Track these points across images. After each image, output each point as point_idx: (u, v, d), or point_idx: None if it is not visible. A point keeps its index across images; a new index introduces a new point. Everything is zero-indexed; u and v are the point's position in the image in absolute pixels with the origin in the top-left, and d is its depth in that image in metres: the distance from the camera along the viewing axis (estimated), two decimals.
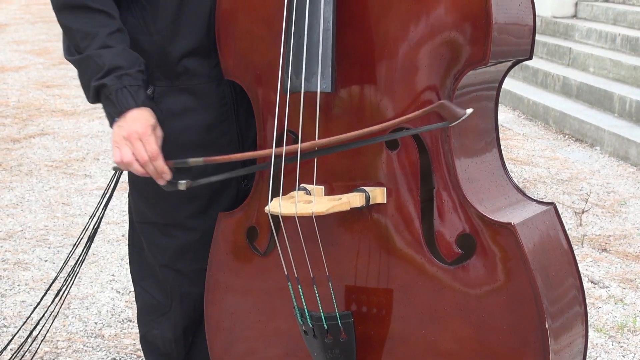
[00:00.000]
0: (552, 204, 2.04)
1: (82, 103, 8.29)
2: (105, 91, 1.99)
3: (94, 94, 2.02)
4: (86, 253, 2.38)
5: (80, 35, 2.01)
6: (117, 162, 2.02)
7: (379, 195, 1.94)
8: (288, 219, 1.95)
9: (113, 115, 2.02)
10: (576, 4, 10.00)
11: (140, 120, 1.99)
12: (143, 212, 2.30)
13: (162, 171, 2.00)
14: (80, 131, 7.23)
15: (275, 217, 1.99)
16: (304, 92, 1.90)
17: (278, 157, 1.94)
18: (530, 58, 1.99)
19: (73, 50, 2.04)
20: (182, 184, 2.00)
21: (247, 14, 2.04)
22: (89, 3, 2.00)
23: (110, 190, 2.29)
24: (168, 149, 2.06)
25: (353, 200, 1.92)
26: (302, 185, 1.99)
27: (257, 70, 2.04)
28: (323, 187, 1.98)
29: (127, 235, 4.68)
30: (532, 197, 2.08)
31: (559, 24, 9.66)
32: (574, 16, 9.96)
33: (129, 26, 2.09)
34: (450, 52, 1.85)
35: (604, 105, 7.31)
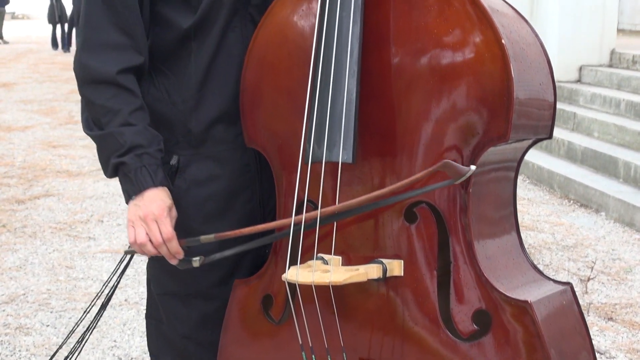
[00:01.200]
0: (569, 284, 2.03)
1: (88, 164, 8.33)
2: (125, 169, 2.00)
3: (112, 170, 2.03)
4: (91, 332, 2.33)
5: (103, 111, 2.01)
6: (130, 242, 2.01)
7: (396, 267, 1.94)
8: (304, 288, 1.95)
9: (130, 193, 2.02)
10: (580, 69, 10.07)
11: (157, 202, 1.99)
12: (163, 283, 2.26)
13: (175, 252, 2.01)
14: (85, 192, 7.24)
15: (291, 286, 1.99)
16: (325, 162, 1.90)
17: (297, 225, 1.94)
18: (550, 137, 1.99)
19: (92, 124, 2.04)
20: (196, 261, 2.00)
21: (271, 85, 2.05)
22: (118, 79, 2.00)
23: (119, 274, 2.24)
24: (192, 218, 2.08)
25: (370, 271, 1.92)
26: (319, 255, 1.99)
27: (278, 140, 2.06)
28: (340, 258, 1.98)
29: (129, 300, 4.69)
30: (549, 277, 2.07)
31: (563, 88, 9.71)
32: (578, 81, 10.02)
33: (151, 97, 2.11)
34: (471, 127, 1.85)
35: (609, 170, 7.31)
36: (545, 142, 8.43)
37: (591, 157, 7.68)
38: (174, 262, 2.03)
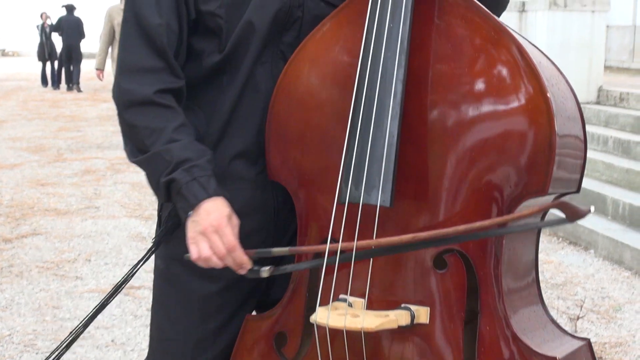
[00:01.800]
0: (587, 340, 2.02)
1: (76, 202, 8.30)
2: (176, 186, 1.94)
3: (165, 192, 1.96)
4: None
5: (147, 132, 1.97)
6: (194, 259, 1.95)
7: (422, 314, 1.90)
8: (322, 328, 1.91)
9: (186, 210, 1.95)
10: None
11: (215, 212, 1.93)
12: (163, 329, 2.20)
13: (241, 262, 1.94)
14: (73, 231, 7.21)
15: (309, 326, 1.96)
16: (362, 204, 1.87)
17: (332, 258, 1.90)
18: (578, 191, 1.98)
19: (137, 151, 2.00)
20: (265, 271, 1.93)
21: (300, 119, 2.02)
22: (155, 98, 1.97)
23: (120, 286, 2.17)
24: None
25: (400, 318, 1.87)
26: (342, 296, 1.94)
27: (305, 176, 2.03)
28: (363, 300, 1.92)
29: (116, 341, 4.65)
30: (566, 330, 2.05)
31: None
32: None
33: None
34: (510, 179, 1.82)
35: (598, 208, 7.32)
36: None
37: (580, 194, 7.65)
38: (242, 272, 1.96)
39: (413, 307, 1.89)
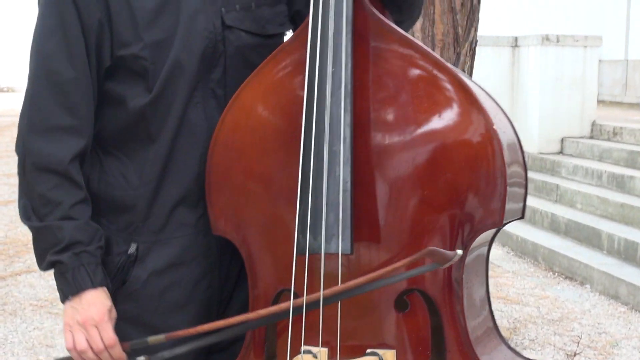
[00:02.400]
0: None
1: None
2: (61, 268, 1.87)
3: (48, 266, 1.90)
4: None
5: (43, 200, 1.88)
6: (68, 348, 1.88)
7: (389, 358, 1.86)
8: None
9: (66, 293, 1.89)
10: (562, 141, 10.15)
11: (97, 305, 1.87)
12: None
13: (119, 358, 1.88)
14: None
15: None
16: (324, 254, 1.82)
17: (274, 316, 1.85)
18: (523, 217, 1.97)
19: (31, 212, 1.91)
20: None
21: (242, 171, 1.96)
22: (59, 168, 1.88)
23: None
24: (150, 311, 1.97)
25: None
26: (305, 347, 1.88)
27: (251, 229, 1.97)
28: (327, 350, 1.88)
29: None
30: (523, 356, 2.04)
31: (545, 160, 9.78)
32: (560, 152, 10.10)
33: (103, 185, 1.99)
34: (465, 214, 1.82)
35: (593, 242, 7.32)
36: (529, 214, 8.45)
37: (575, 228, 7.69)
38: None
39: (379, 352, 1.86)
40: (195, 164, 1.99)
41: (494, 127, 1.79)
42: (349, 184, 1.82)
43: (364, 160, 1.86)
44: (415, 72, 1.86)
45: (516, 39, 10.65)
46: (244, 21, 2.00)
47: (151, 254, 2.00)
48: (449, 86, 1.83)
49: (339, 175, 1.81)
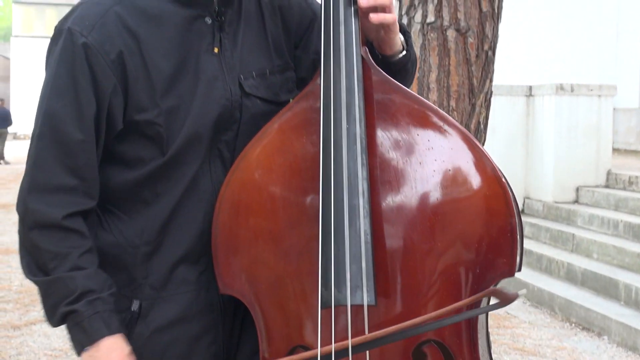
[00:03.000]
0: None
1: None
2: (76, 318, 1.83)
3: (60, 319, 1.86)
4: None
5: (50, 255, 1.84)
6: None
7: None
8: None
9: (84, 344, 1.84)
10: (577, 189, 10.12)
11: (117, 350, 1.84)
12: None
13: None
14: None
15: None
16: (348, 306, 1.82)
17: None
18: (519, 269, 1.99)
19: (37, 269, 1.86)
20: None
21: (252, 228, 1.96)
22: (63, 222, 1.84)
23: None
24: None
25: None
26: None
27: (261, 287, 1.97)
28: None
29: None
30: None
31: (561, 209, 9.75)
32: (576, 201, 10.07)
33: (102, 242, 1.95)
34: (479, 265, 1.85)
35: (610, 293, 7.26)
36: (545, 264, 8.41)
37: (591, 278, 7.63)
38: None
39: None
40: (199, 223, 1.98)
41: (503, 180, 1.84)
42: (369, 236, 1.84)
43: (379, 214, 1.88)
44: (422, 127, 1.89)
45: (530, 88, 10.69)
46: (260, 88, 2.02)
47: (154, 311, 1.98)
48: (457, 142, 1.87)
49: (360, 227, 1.83)
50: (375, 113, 1.90)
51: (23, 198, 1.88)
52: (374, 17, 1.89)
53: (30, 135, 1.94)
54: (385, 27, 1.93)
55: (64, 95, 1.87)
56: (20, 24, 45.13)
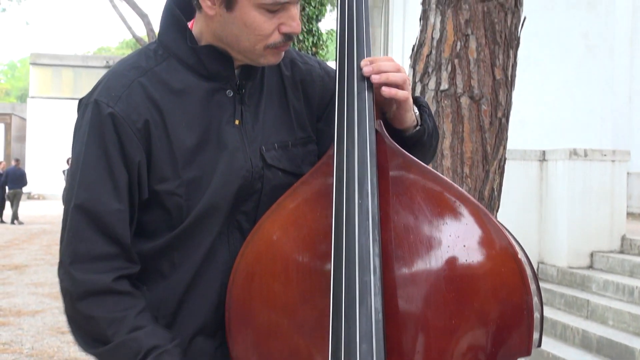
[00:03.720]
0: None
1: None
2: None
3: None
4: None
5: (107, 322, 1.85)
6: None
7: None
8: None
9: None
10: (592, 255, 10.06)
11: None
12: None
13: None
14: None
15: None
16: None
17: None
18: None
19: (93, 341, 1.87)
20: None
21: (265, 302, 1.96)
22: (114, 286, 1.87)
23: None
24: None
25: None
26: None
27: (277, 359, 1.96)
28: None
29: None
30: None
31: (575, 274, 9.68)
32: (590, 267, 9.99)
33: None
34: (492, 343, 1.82)
35: None
36: (559, 330, 8.32)
37: (607, 346, 7.54)
38: None
39: None
40: (215, 294, 1.98)
41: (519, 256, 1.81)
42: (380, 314, 1.81)
43: (392, 290, 1.86)
44: (437, 202, 1.88)
45: (544, 152, 10.70)
46: (282, 160, 2.03)
47: None
48: (472, 218, 1.85)
49: (371, 305, 1.81)
50: (390, 187, 1.89)
51: (67, 272, 1.89)
52: (386, 91, 1.90)
53: (64, 208, 1.96)
54: (397, 102, 1.94)
55: (97, 166, 1.89)
56: (37, 85, 45.67)
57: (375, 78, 1.90)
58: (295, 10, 1.92)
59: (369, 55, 1.96)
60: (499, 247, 1.82)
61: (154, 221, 1.96)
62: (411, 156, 1.91)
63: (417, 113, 2.03)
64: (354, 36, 1.97)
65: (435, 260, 1.85)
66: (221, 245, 1.98)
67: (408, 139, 2.01)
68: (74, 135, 1.96)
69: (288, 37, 1.94)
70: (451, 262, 1.84)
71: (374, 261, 1.83)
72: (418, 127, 2.02)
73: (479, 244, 1.84)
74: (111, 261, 1.89)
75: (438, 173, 1.91)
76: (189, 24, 2.01)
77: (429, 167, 1.92)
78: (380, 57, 1.96)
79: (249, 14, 1.88)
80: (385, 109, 1.99)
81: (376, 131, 1.91)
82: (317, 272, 1.89)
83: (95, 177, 1.89)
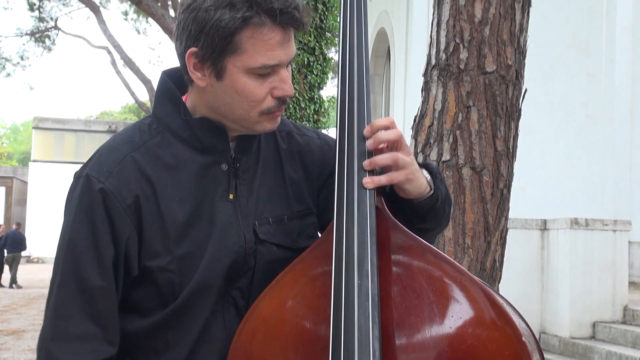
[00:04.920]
0: None
1: None
2: None
3: None
4: None
5: None
6: None
7: None
8: None
9: None
10: (594, 325, 9.99)
11: None
12: None
13: None
14: None
15: None
16: None
17: None
18: None
19: None
20: None
21: None
22: None
23: None
24: None
25: None
26: None
27: None
28: None
29: None
30: None
31: (577, 345, 9.60)
32: (593, 337, 9.92)
33: None
34: None
35: None
36: None
37: None
38: None
39: None
40: (221, 347, 1.95)
41: (523, 338, 1.77)
42: None
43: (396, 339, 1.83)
44: (439, 282, 1.84)
45: (545, 221, 10.69)
46: (276, 234, 2.00)
47: None
48: (475, 298, 1.82)
49: (370, 352, 1.78)
50: (391, 265, 1.87)
51: (45, 346, 1.86)
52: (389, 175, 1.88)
53: (50, 279, 1.92)
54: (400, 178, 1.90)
55: (83, 241, 1.87)
56: (39, 148, 45.88)
57: (369, 144, 1.88)
58: (285, 73, 1.90)
59: (369, 123, 1.94)
60: (503, 329, 1.79)
61: (146, 298, 1.93)
62: (413, 234, 1.88)
63: (429, 178, 2.00)
64: (354, 107, 1.96)
65: (436, 341, 1.82)
66: (216, 322, 1.95)
67: (421, 206, 1.97)
68: (65, 207, 1.94)
69: (282, 101, 1.92)
70: (454, 344, 1.81)
71: (373, 344, 1.79)
72: (431, 193, 1.98)
73: (483, 326, 1.80)
74: (91, 342, 1.85)
75: (440, 252, 1.88)
76: (183, 97, 2.01)
77: (431, 245, 1.88)
78: (380, 119, 1.92)
79: (239, 81, 1.87)
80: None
81: (377, 208, 1.88)
82: (317, 352, 1.86)
83: (80, 253, 1.87)
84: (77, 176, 1.94)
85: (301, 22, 1.88)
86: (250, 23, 1.83)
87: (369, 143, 1.90)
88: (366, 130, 1.91)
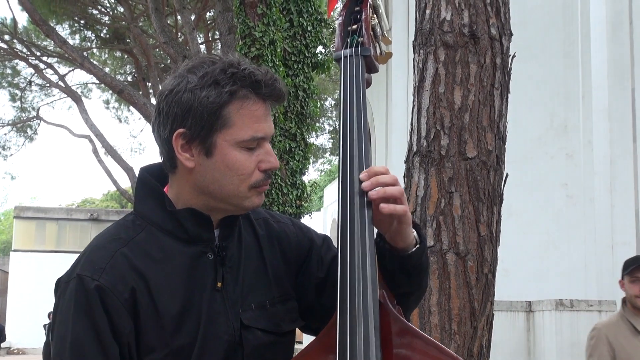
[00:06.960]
0: None
1: None
2: None
3: None
4: None
5: None
6: None
7: None
8: None
9: None
10: None
11: None
12: None
13: None
14: None
15: None
16: None
17: None
18: None
19: None
20: None
21: None
22: None
23: None
24: None
25: None
26: None
27: None
28: None
29: None
30: None
31: None
32: None
33: None
34: None
35: None
36: None
37: None
38: None
39: None
40: None
41: None
42: None
43: None
44: None
45: (530, 303, 10.67)
46: (260, 320, 2.01)
47: None
48: None
49: None
50: (393, 357, 1.87)
51: None
52: (385, 207, 1.89)
53: None
54: (397, 217, 1.92)
55: (88, 343, 1.85)
56: (20, 238, 45.55)
57: (373, 194, 1.90)
58: (269, 146, 1.94)
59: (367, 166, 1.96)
60: None
61: None
62: (414, 327, 1.90)
63: (415, 233, 2.03)
64: (354, 168, 1.96)
65: None
66: None
67: (407, 259, 1.99)
68: (55, 316, 1.92)
69: (268, 175, 1.95)
70: None
71: None
72: (418, 245, 2.01)
73: None
74: None
75: (442, 345, 1.89)
76: (165, 189, 2.02)
77: (429, 337, 1.90)
78: (377, 167, 1.95)
79: (229, 155, 1.90)
80: (384, 229, 1.97)
81: (380, 303, 1.89)
82: None
83: (87, 356, 1.85)
84: (66, 280, 1.92)
85: (282, 94, 1.94)
86: (237, 97, 1.88)
87: (365, 185, 1.91)
88: (363, 176, 1.93)
